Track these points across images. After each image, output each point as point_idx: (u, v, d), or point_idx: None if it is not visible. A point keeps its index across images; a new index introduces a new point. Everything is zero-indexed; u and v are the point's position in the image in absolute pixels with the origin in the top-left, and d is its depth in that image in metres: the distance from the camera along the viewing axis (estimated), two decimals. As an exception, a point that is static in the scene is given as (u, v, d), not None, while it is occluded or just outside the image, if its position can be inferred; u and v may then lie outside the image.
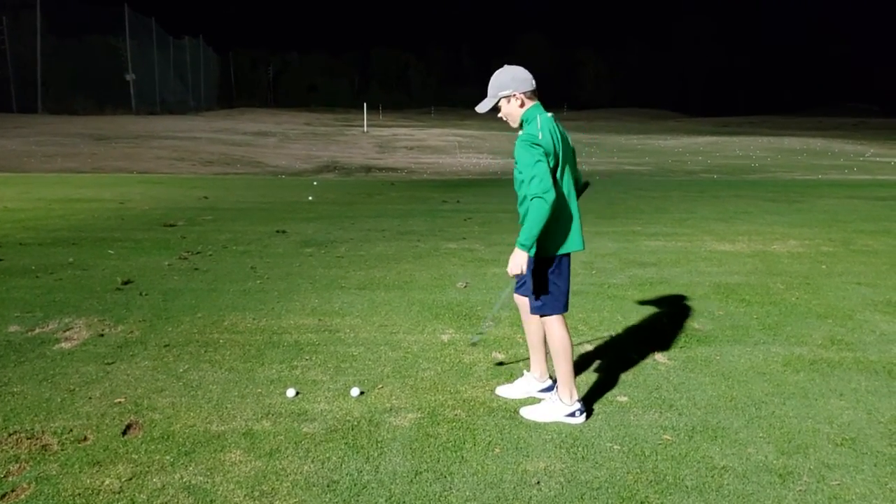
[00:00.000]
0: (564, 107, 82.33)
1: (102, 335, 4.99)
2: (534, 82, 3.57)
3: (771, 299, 6.26)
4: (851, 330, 5.42)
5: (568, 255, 3.66)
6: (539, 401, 3.90)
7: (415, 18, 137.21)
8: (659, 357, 4.76)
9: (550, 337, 3.74)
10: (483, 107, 3.61)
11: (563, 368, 3.72)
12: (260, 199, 12.86)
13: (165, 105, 52.69)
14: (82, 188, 13.79)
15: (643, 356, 4.77)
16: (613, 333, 5.29)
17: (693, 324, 5.51)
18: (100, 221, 9.86)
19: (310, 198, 13.04)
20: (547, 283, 3.63)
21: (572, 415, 3.71)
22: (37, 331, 5.06)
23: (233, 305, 5.80)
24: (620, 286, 6.66)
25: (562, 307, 3.70)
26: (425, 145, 30.28)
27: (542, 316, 3.74)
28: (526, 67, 3.64)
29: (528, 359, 4.19)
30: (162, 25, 54.20)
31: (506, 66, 3.62)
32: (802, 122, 61.35)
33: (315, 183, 15.90)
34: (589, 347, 4.92)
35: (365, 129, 40.28)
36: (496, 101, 3.56)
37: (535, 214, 3.35)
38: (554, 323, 3.70)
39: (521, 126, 3.58)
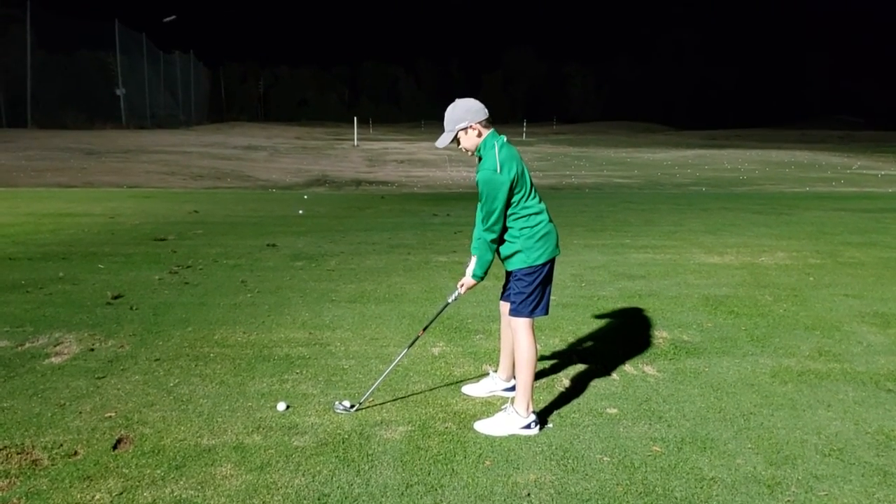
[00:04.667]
0: (553, 120, 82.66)
1: (93, 350, 4.98)
2: (487, 111, 3.72)
3: (759, 311, 6.31)
4: (839, 341, 5.47)
5: (552, 260, 3.83)
6: (494, 413, 3.94)
7: (404, 32, 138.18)
8: (648, 369, 4.79)
9: (518, 343, 3.84)
10: (442, 141, 3.78)
11: (525, 379, 3.79)
12: (250, 213, 12.85)
13: (156, 119, 52.50)
14: (72, 203, 13.74)
15: (632, 368, 4.80)
16: (603, 345, 5.33)
17: (682, 336, 5.55)
18: (90, 236, 9.82)
19: (300, 211, 13.04)
20: (535, 290, 3.78)
21: (528, 426, 3.76)
22: (27, 345, 5.04)
23: (223, 319, 5.80)
24: (610, 298, 6.70)
25: (537, 311, 3.82)
26: (415, 159, 30.35)
27: (515, 316, 3.84)
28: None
29: (500, 362, 4.33)
30: (152, 40, 54.12)
31: (458, 101, 3.76)
32: (789, 134, 61.80)
33: (305, 197, 15.90)
34: (578, 359, 4.95)
35: (355, 142, 40.33)
36: (454, 134, 3.71)
37: (483, 247, 3.75)
38: (525, 329, 3.81)
39: (478, 154, 3.75)
